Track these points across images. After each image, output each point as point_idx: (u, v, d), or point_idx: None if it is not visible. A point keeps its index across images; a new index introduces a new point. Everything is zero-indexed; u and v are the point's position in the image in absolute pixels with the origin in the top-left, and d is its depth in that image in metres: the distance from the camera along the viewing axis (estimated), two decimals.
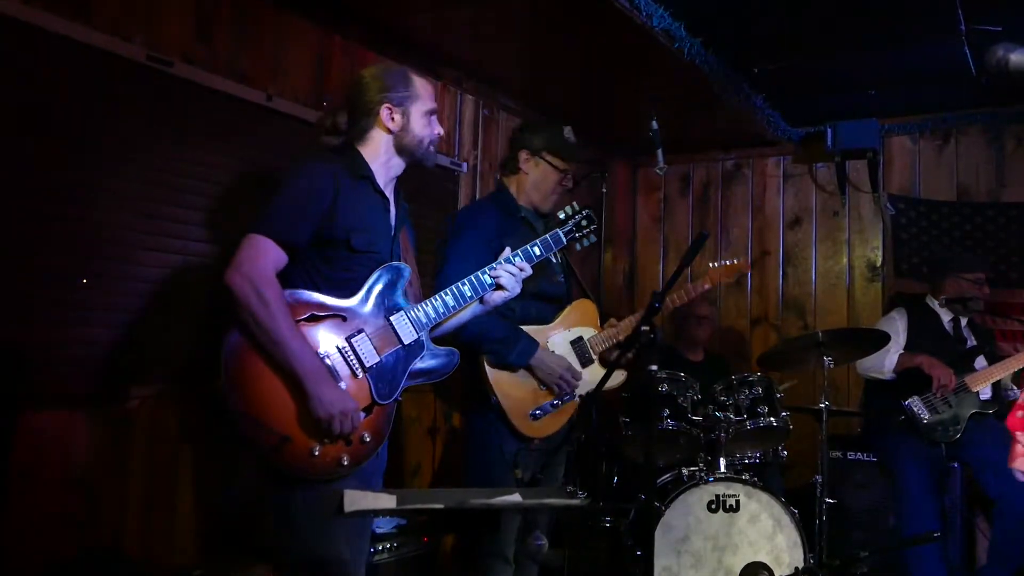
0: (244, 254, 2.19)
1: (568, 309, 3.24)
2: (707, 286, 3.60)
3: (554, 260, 3.25)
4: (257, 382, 2.15)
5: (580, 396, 3.13)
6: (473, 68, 4.30)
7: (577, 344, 3.20)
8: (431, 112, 2.48)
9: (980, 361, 4.18)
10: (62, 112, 2.64)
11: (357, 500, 1.74)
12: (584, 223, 2.78)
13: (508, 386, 3.04)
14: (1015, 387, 4.15)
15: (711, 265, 3.69)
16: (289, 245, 2.24)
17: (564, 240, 2.71)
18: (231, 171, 3.14)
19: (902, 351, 4.15)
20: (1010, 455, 2.95)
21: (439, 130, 2.51)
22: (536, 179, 3.21)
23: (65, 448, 2.66)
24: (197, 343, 2.99)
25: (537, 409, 3.06)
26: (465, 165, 4.41)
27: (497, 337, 3.00)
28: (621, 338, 3.25)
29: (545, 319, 3.18)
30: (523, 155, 3.22)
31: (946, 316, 4.29)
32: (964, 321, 4.30)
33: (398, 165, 2.48)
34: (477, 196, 4.52)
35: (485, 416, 3.05)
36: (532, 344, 3.05)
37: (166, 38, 2.94)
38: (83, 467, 2.70)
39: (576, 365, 3.15)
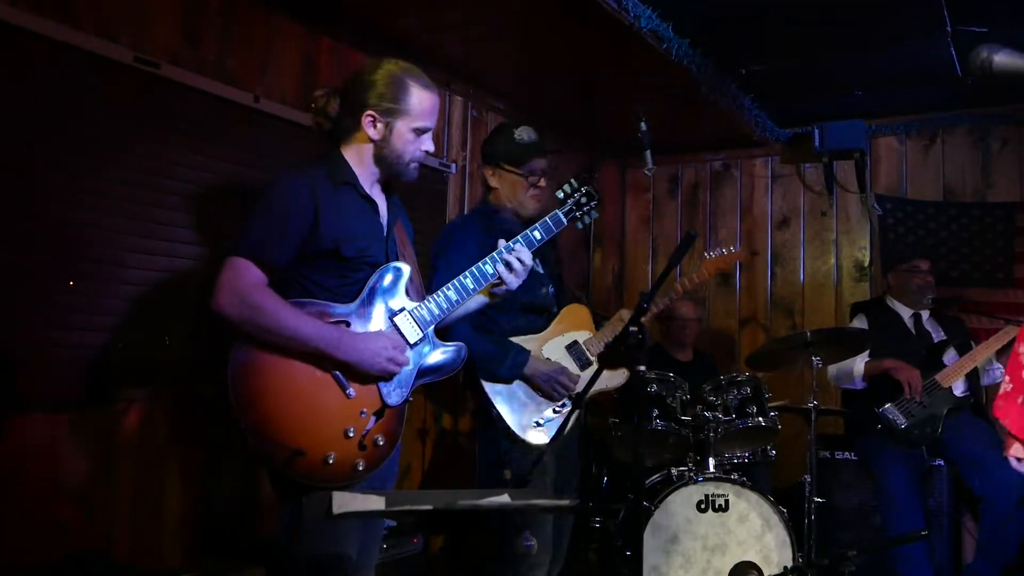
0: (225, 276, 2.15)
1: (560, 316, 3.21)
2: (699, 279, 3.50)
3: (541, 271, 3.21)
4: (264, 398, 2.12)
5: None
6: (462, 69, 4.30)
7: (572, 348, 3.18)
8: (422, 131, 2.33)
9: (951, 355, 4.17)
10: (49, 114, 2.63)
11: (346, 502, 1.74)
12: (584, 200, 2.66)
13: (508, 399, 3.01)
14: (998, 364, 4.14)
15: (706, 255, 3.60)
16: (269, 265, 2.19)
17: (565, 221, 2.59)
18: (218, 173, 3.13)
19: (868, 359, 4.17)
20: (1004, 444, 2.95)
21: (428, 147, 2.36)
22: (506, 191, 3.15)
23: (52, 452, 2.65)
24: (184, 346, 2.99)
25: (539, 418, 3.02)
26: (454, 166, 4.41)
27: (485, 355, 2.95)
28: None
29: (536, 330, 3.16)
30: (487, 171, 3.19)
31: (906, 313, 4.31)
32: (926, 316, 4.32)
33: (379, 171, 2.38)
34: (466, 198, 4.53)
35: (488, 431, 3.03)
36: (523, 355, 3.02)
37: (153, 40, 2.93)
38: (70, 471, 2.69)
39: (574, 369, 3.12)
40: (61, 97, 2.66)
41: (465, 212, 4.52)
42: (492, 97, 4.68)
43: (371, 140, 2.31)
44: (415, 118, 2.30)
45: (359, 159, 2.34)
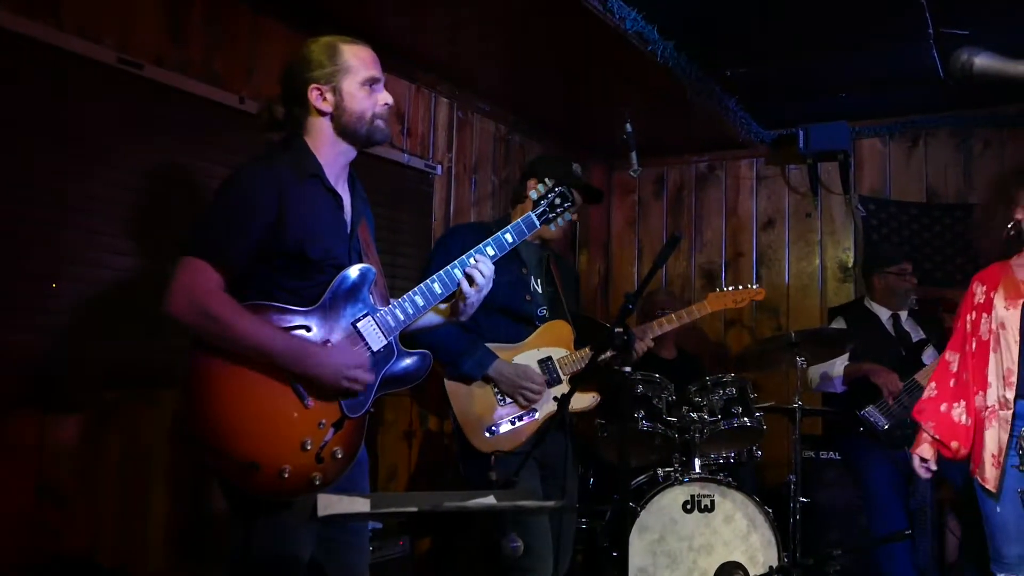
0: (180, 280, 2.04)
1: (540, 329, 3.18)
2: (700, 313, 3.61)
3: (534, 281, 3.20)
4: (218, 407, 2.01)
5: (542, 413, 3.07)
6: (448, 71, 4.30)
7: (545, 364, 3.14)
8: (369, 81, 2.21)
9: (931, 353, 4.18)
10: (32, 115, 2.62)
11: (331, 504, 1.73)
12: (558, 201, 2.57)
13: (465, 399, 3.00)
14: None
15: (726, 289, 3.72)
16: (228, 266, 2.07)
17: (538, 223, 2.51)
18: (203, 174, 3.12)
19: (847, 363, 4.19)
20: (915, 441, 3.03)
21: (386, 99, 2.24)
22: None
23: (36, 454, 2.63)
24: (172, 348, 2.97)
25: (494, 425, 3.01)
26: (440, 168, 4.41)
27: (452, 348, 2.93)
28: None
29: (516, 340, 3.13)
30: (530, 183, 3.15)
31: (884, 315, 4.34)
32: (904, 316, 4.35)
33: (348, 150, 2.26)
34: (452, 199, 4.53)
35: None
36: (490, 356, 3.01)
37: (137, 40, 2.92)
38: (55, 473, 2.67)
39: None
40: (44, 98, 2.65)
41: (451, 214, 4.52)
42: (478, 99, 4.68)
43: (325, 114, 2.20)
44: (357, 71, 2.20)
45: (322, 145, 2.22)
